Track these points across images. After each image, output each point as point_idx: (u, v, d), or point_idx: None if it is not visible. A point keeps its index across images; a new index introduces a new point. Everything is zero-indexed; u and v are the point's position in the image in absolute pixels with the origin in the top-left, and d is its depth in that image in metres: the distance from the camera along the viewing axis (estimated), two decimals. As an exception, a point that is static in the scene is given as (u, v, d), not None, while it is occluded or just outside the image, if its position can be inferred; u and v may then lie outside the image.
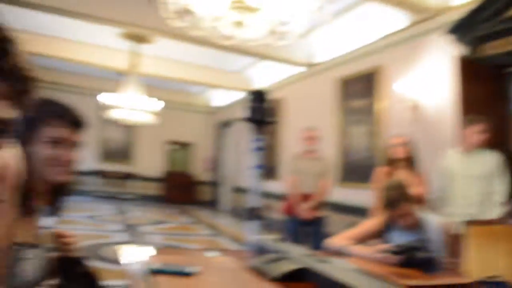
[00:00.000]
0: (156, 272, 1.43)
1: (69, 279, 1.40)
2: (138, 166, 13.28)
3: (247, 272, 1.55)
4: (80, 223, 7.48)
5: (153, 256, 1.83)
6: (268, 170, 8.86)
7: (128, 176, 13.01)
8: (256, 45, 5.72)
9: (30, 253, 1.32)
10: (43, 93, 1.65)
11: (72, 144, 1.40)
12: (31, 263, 1.32)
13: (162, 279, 1.36)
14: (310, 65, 7.64)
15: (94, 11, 6.44)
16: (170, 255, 2.25)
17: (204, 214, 11.21)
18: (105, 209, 10.30)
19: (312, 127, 4.78)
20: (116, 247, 1.91)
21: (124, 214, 9.79)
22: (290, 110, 8.49)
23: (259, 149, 2.44)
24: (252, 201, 2.41)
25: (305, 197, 4.48)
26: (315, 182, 4.52)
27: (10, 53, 0.55)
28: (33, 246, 1.35)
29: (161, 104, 9.39)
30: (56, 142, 1.36)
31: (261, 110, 2.38)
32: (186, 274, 1.43)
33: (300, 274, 1.49)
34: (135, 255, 1.74)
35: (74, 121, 1.40)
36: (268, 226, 7.81)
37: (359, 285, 1.24)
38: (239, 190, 10.85)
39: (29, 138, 1.35)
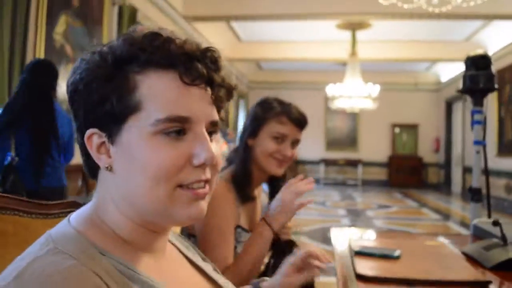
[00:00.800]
0: (360, 253, 1.41)
1: (281, 259, 1.49)
2: (362, 152, 13.32)
3: (461, 258, 1.39)
4: (309, 208, 7.93)
5: (360, 239, 1.81)
6: (508, 146, 7.85)
7: (352, 163, 13.21)
8: (480, 4, 5.07)
9: (245, 237, 1.45)
10: (275, 92, 1.80)
11: (295, 142, 1.50)
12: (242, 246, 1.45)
13: (364, 261, 1.33)
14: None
15: (314, 9, 6.93)
16: (388, 238, 2.19)
17: (432, 197, 10.60)
18: (332, 195, 10.71)
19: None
20: (332, 229, 1.95)
21: (349, 199, 10.01)
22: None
23: (478, 122, 2.16)
24: (473, 180, 2.16)
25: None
26: None
27: (221, 67, 0.64)
28: (248, 231, 1.48)
29: (378, 88, 9.21)
30: (281, 138, 1.46)
31: (479, 78, 2.10)
32: (390, 257, 1.37)
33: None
34: (344, 237, 1.75)
35: (299, 121, 1.50)
36: (502, 208, 6.97)
37: None
38: (470, 170, 9.83)
39: (256, 131, 1.48)
